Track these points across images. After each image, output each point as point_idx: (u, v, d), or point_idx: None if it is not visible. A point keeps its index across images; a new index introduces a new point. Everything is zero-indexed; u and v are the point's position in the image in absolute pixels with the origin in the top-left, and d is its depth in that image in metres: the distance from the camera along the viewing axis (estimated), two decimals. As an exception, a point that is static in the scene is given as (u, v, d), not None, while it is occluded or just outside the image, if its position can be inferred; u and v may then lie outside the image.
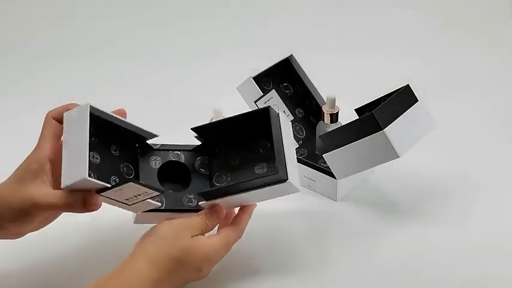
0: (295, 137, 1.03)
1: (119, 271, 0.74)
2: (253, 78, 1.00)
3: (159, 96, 1.32)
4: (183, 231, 0.78)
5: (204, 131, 0.87)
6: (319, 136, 0.99)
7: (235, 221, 0.83)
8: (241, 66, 1.06)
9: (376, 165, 0.94)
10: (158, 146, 0.88)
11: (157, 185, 0.85)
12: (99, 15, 1.65)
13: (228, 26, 1.61)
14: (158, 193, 0.78)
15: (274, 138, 0.81)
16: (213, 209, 0.82)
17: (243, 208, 0.84)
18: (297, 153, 1.03)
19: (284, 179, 0.79)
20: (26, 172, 0.75)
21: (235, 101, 1.06)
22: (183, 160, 0.88)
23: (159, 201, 0.82)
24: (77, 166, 0.73)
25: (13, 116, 1.25)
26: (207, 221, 0.81)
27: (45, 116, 0.80)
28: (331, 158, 0.95)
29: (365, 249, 0.91)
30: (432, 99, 1.01)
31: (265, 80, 1.04)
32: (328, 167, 0.97)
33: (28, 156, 0.77)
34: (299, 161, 1.02)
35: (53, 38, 1.57)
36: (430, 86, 1.30)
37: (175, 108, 1.26)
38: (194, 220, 0.80)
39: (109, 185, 0.74)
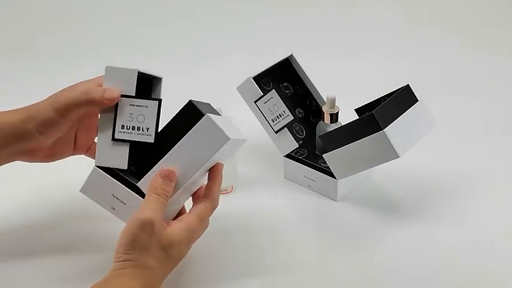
0: (295, 137, 1.03)
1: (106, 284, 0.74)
2: (253, 78, 1.00)
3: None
4: (155, 229, 0.75)
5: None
6: (319, 136, 0.99)
7: (206, 193, 0.81)
8: (241, 66, 1.07)
9: (376, 165, 0.94)
10: None
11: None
12: (99, 14, 1.65)
13: (228, 26, 1.61)
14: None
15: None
16: (163, 174, 0.78)
17: (210, 176, 0.82)
18: (296, 153, 1.03)
19: (202, 114, 0.76)
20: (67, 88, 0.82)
21: (235, 101, 1.06)
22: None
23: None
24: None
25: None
26: (164, 191, 0.77)
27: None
28: (331, 158, 0.95)
29: (365, 249, 0.91)
30: (432, 99, 1.02)
31: (265, 80, 1.04)
32: (328, 167, 0.97)
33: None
34: (299, 161, 1.02)
35: (53, 37, 1.57)
36: (430, 86, 1.30)
37: (175, 108, 1.26)
38: (155, 205, 0.76)
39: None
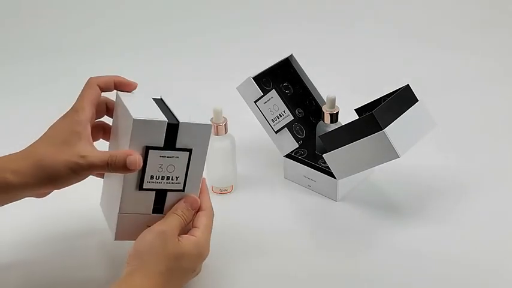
0: (295, 137, 1.03)
1: None
2: (253, 78, 1.00)
3: (159, 96, 1.32)
4: (168, 238, 0.76)
5: None
6: (319, 136, 0.99)
7: (202, 206, 0.82)
8: (241, 66, 1.07)
9: (376, 165, 0.94)
10: None
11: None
12: (99, 13, 1.65)
13: (228, 26, 1.61)
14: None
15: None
16: (187, 201, 0.80)
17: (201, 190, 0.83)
18: (296, 153, 1.03)
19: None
20: (71, 134, 0.76)
21: (235, 101, 1.06)
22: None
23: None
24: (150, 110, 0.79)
25: (13, 111, 1.26)
26: (184, 215, 0.80)
27: (87, 81, 0.80)
28: (331, 158, 0.95)
29: (365, 249, 0.91)
30: (432, 99, 1.01)
31: (265, 80, 1.04)
32: (328, 167, 0.97)
33: (66, 117, 0.78)
34: (299, 161, 1.02)
35: (52, 36, 1.57)
36: (430, 86, 1.30)
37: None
38: (172, 220, 0.78)
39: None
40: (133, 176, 0.78)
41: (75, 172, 0.74)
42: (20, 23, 1.62)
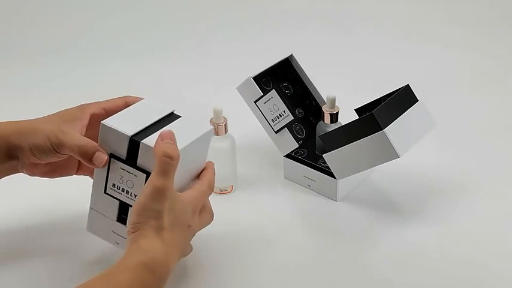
0: (295, 137, 1.03)
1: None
2: (253, 78, 1.00)
3: (159, 96, 1.31)
4: (166, 190, 0.74)
5: None
6: (319, 136, 0.99)
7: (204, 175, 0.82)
8: (241, 66, 1.07)
9: (376, 165, 0.94)
10: None
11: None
12: (100, 14, 1.65)
13: (228, 26, 1.61)
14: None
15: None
16: (162, 137, 0.75)
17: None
18: (296, 153, 1.03)
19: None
20: (69, 115, 0.82)
21: (235, 101, 1.06)
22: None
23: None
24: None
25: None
26: (168, 152, 0.74)
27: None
28: (331, 158, 0.95)
29: (365, 249, 0.91)
30: (432, 99, 1.01)
31: (265, 80, 1.04)
32: (328, 167, 0.97)
33: (73, 107, 0.84)
34: (299, 161, 1.02)
35: (52, 37, 1.57)
36: (430, 86, 1.30)
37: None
38: (160, 166, 0.74)
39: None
40: (102, 178, 0.80)
41: (51, 142, 0.79)
42: (20, 24, 1.62)
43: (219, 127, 0.97)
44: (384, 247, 0.91)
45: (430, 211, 0.97)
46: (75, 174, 0.90)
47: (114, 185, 0.80)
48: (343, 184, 0.99)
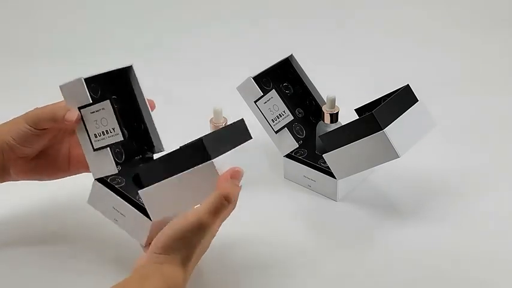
0: (295, 137, 1.03)
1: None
2: (253, 78, 1.00)
3: (159, 96, 1.31)
4: (208, 230, 0.74)
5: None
6: (319, 136, 0.99)
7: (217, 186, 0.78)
8: (241, 66, 1.07)
9: (376, 165, 0.94)
10: None
11: (130, 180, 0.87)
12: (100, 14, 1.65)
13: (228, 26, 1.61)
14: (122, 138, 0.81)
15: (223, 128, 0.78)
16: (231, 174, 0.75)
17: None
18: (296, 153, 1.03)
19: (208, 156, 0.73)
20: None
21: (235, 101, 1.06)
22: None
23: (119, 177, 0.86)
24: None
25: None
26: (230, 193, 0.73)
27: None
28: (331, 158, 0.95)
29: (365, 249, 0.91)
30: (432, 99, 1.01)
31: (265, 80, 1.04)
32: (328, 167, 0.97)
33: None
34: (299, 161, 1.02)
35: (52, 37, 1.57)
36: (430, 86, 1.30)
37: (175, 108, 1.26)
38: (215, 204, 0.73)
39: (91, 101, 0.82)
40: (86, 141, 0.82)
41: (29, 124, 0.84)
42: (20, 24, 1.62)
43: (219, 127, 0.97)
44: (383, 247, 0.91)
45: (430, 211, 0.97)
46: (70, 173, 0.91)
47: (96, 135, 0.81)
48: (343, 184, 0.99)
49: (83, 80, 0.81)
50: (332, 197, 1.00)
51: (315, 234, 0.95)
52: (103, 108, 0.81)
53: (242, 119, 0.81)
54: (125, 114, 0.90)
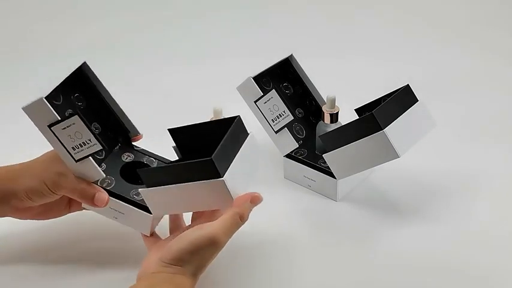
0: (295, 137, 1.03)
1: None
2: (253, 78, 1.00)
3: (159, 96, 1.32)
4: (220, 247, 0.76)
5: (179, 133, 0.86)
6: (319, 136, 0.99)
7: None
8: (241, 66, 1.07)
9: (376, 165, 0.94)
10: (140, 148, 0.94)
11: (118, 176, 0.89)
12: (100, 14, 1.65)
13: (228, 26, 1.61)
14: (100, 147, 0.83)
15: (224, 139, 0.78)
16: (252, 199, 0.78)
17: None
18: (296, 153, 1.03)
19: (217, 174, 0.75)
20: (57, 154, 0.83)
21: (235, 101, 1.06)
22: (153, 166, 0.91)
23: (108, 179, 0.87)
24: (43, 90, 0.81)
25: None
26: (244, 213, 0.77)
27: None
28: (331, 158, 0.95)
29: (365, 249, 0.91)
30: (432, 99, 1.01)
31: (265, 80, 1.04)
32: (328, 167, 0.97)
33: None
34: (299, 161, 1.02)
35: (52, 36, 1.57)
36: (430, 86, 1.30)
37: (176, 108, 1.26)
38: (230, 222, 0.76)
39: (59, 118, 0.80)
40: (66, 155, 0.82)
41: (48, 186, 0.82)
42: (19, 24, 1.62)
43: None
44: (383, 247, 0.91)
45: (430, 211, 0.97)
46: (68, 213, 0.91)
47: (74, 148, 0.82)
48: (343, 184, 0.99)
49: (45, 100, 0.80)
50: (332, 197, 1.00)
51: (315, 234, 0.95)
52: (73, 123, 0.82)
53: (239, 117, 0.82)
54: (93, 109, 0.91)
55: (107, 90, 0.92)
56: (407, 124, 0.91)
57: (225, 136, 0.78)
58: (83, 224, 0.94)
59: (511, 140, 1.14)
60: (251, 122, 1.05)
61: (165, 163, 0.91)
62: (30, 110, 0.80)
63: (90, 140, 0.83)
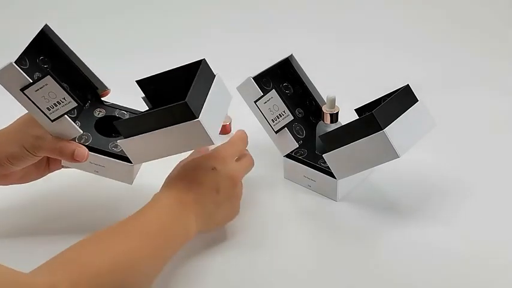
0: (295, 137, 1.03)
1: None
2: (253, 78, 1.00)
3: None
4: (221, 166, 0.86)
5: (148, 83, 0.91)
6: (319, 136, 0.99)
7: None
8: (241, 66, 1.07)
9: (376, 165, 0.94)
10: (109, 103, 0.97)
11: (94, 131, 0.92)
12: (100, 13, 1.65)
13: (228, 26, 1.61)
14: (76, 104, 0.84)
15: (194, 81, 0.83)
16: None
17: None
18: (296, 153, 1.03)
19: (192, 115, 0.80)
20: (30, 117, 0.85)
21: (235, 101, 1.05)
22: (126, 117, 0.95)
23: (85, 135, 0.90)
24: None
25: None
26: (243, 144, 0.90)
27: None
28: (331, 158, 0.95)
29: (365, 249, 0.91)
30: (432, 99, 1.01)
31: (265, 80, 1.04)
32: (328, 167, 0.97)
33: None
34: (299, 161, 1.02)
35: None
36: (430, 86, 1.30)
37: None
38: (238, 146, 0.89)
39: (31, 80, 0.81)
40: (41, 116, 0.83)
41: (28, 148, 0.84)
42: (18, 23, 1.62)
43: (226, 126, 0.98)
44: (383, 247, 0.91)
45: (430, 211, 0.97)
46: (48, 172, 0.93)
47: (49, 108, 0.83)
48: (343, 184, 0.99)
49: (15, 64, 0.81)
50: (332, 197, 1.00)
51: (314, 234, 0.95)
52: (46, 84, 0.83)
53: (204, 60, 0.90)
54: (59, 69, 0.93)
55: (71, 50, 0.94)
56: (407, 124, 0.91)
57: (195, 79, 0.83)
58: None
59: (511, 140, 1.14)
60: (251, 122, 1.06)
61: (135, 113, 0.95)
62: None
63: (64, 99, 0.84)
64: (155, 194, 0.84)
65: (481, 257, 0.88)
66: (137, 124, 0.83)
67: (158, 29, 1.60)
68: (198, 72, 0.85)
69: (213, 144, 0.83)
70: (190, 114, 0.80)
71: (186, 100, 0.79)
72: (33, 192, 0.99)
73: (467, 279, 0.85)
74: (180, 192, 0.82)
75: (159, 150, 0.85)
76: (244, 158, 0.92)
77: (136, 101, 1.01)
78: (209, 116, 0.82)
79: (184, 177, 0.85)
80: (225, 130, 0.99)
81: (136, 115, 0.87)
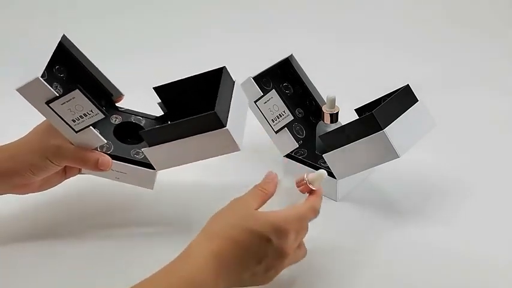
0: (295, 137, 1.03)
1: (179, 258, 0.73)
2: (253, 78, 1.00)
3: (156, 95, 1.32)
4: (242, 202, 0.78)
5: (166, 90, 0.92)
6: (319, 136, 0.99)
7: (308, 199, 0.81)
8: (241, 66, 1.07)
9: (376, 165, 0.94)
10: (124, 109, 0.96)
11: (114, 138, 0.92)
12: (100, 13, 1.65)
13: (228, 26, 1.61)
14: (103, 115, 0.85)
15: (219, 90, 0.83)
16: (267, 177, 0.84)
17: (313, 192, 0.82)
18: (296, 153, 1.03)
19: (220, 124, 0.81)
20: (49, 126, 0.85)
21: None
22: (142, 124, 0.95)
23: (107, 144, 0.90)
24: (33, 69, 0.81)
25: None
26: (263, 187, 0.82)
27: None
28: (331, 158, 0.95)
29: (365, 249, 0.91)
30: (432, 99, 1.01)
31: (265, 80, 1.04)
32: (328, 167, 0.97)
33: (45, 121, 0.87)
34: (299, 161, 1.02)
35: (49, 33, 1.56)
36: (430, 85, 1.30)
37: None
38: (249, 191, 0.81)
39: (57, 94, 0.81)
40: (65, 127, 0.84)
41: (50, 159, 0.84)
42: (18, 23, 1.62)
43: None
44: (383, 247, 0.91)
45: (430, 211, 0.97)
46: (65, 179, 0.92)
47: (75, 120, 0.83)
48: (343, 184, 0.99)
49: (41, 79, 0.80)
50: (332, 197, 1.00)
51: (314, 234, 0.94)
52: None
53: (225, 67, 0.90)
54: (75, 78, 0.93)
55: (87, 58, 0.93)
56: (407, 124, 0.91)
57: (220, 88, 0.84)
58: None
59: (511, 140, 1.14)
60: (251, 122, 1.06)
61: (151, 118, 0.96)
62: (26, 90, 0.80)
63: (91, 111, 0.84)
64: (192, 243, 0.74)
65: (480, 257, 0.88)
66: (163, 133, 0.84)
67: (158, 29, 1.61)
68: (222, 81, 0.86)
69: (239, 150, 0.84)
70: (218, 123, 0.81)
71: (215, 110, 0.80)
72: (46, 196, 0.98)
73: (467, 279, 0.85)
74: (220, 253, 0.73)
75: (184, 157, 0.86)
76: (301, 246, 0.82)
77: (136, 101, 1.01)
78: (235, 123, 0.84)
79: (231, 237, 0.74)
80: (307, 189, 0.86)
81: (161, 126, 0.85)
